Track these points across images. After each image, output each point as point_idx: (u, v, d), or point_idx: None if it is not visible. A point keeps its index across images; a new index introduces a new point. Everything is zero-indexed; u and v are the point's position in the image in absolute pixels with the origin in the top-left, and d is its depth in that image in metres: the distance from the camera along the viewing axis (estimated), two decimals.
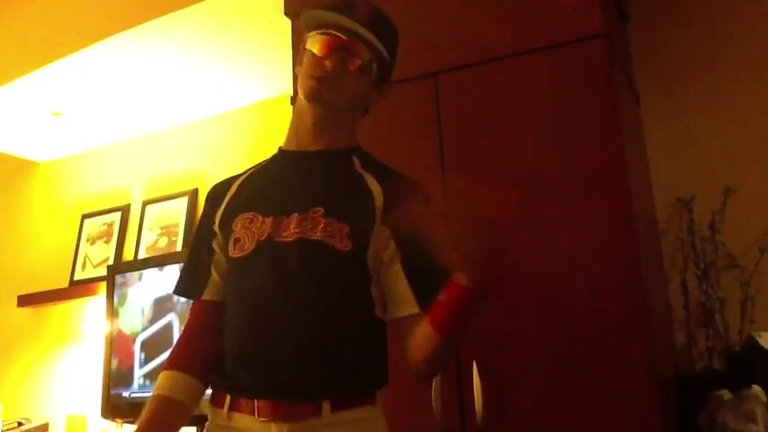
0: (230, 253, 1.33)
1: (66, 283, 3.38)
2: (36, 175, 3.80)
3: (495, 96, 1.83)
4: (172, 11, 2.47)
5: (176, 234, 3.13)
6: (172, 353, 1.40)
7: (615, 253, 1.63)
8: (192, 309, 1.44)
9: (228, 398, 1.30)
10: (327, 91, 1.33)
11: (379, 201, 1.33)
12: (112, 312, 2.91)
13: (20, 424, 3.19)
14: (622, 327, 1.60)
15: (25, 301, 3.41)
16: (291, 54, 2.08)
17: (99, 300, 3.09)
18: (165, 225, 3.19)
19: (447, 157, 1.85)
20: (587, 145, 1.71)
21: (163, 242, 3.17)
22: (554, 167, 1.73)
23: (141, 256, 3.18)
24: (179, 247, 3.07)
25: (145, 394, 2.70)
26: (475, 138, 1.84)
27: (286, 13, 2.14)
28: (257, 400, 1.25)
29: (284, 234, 1.29)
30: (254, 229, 1.32)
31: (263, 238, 1.30)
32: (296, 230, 1.28)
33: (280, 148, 1.45)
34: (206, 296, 1.40)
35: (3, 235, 3.83)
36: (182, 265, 1.52)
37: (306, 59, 1.36)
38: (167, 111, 3.26)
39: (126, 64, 2.83)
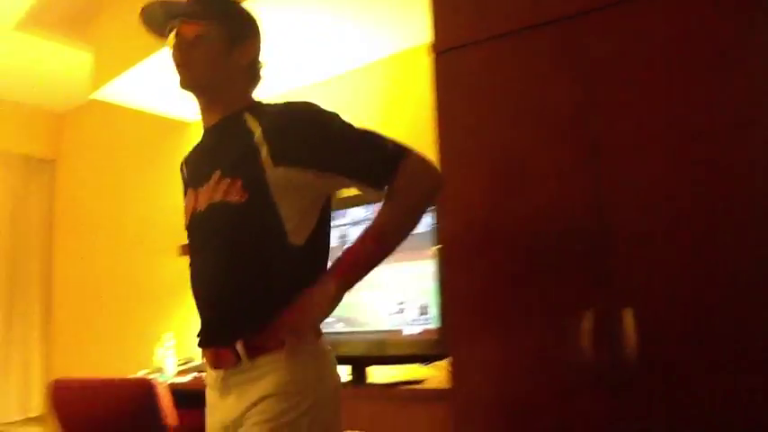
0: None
1: None
2: (188, 133, 4.06)
3: (642, 36, 1.75)
4: None
5: None
6: None
7: None
8: None
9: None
10: (183, 75, 1.52)
11: (258, 136, 1.41)
12: None
13: (186, 362, 3.50)
14: None
15: (186, 250, 3.66)
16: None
17: None
18: None
19: (583, 106, 1.81)
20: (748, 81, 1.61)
21: None
22: (716, 108, 1.63)
23: None
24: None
25: None
26: (616, 84, 1.76)
27: None
28: (203, 349, 1.49)
29: (200, 204, 1.48)
30: (189, 203, 1.55)
31: (193, 210, 1.52)
32: (206, 198, 1.47)
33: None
34: None
35: (164, 191, 4.15)
36: None
37: None
38: (300, 69, 3.35)
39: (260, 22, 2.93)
